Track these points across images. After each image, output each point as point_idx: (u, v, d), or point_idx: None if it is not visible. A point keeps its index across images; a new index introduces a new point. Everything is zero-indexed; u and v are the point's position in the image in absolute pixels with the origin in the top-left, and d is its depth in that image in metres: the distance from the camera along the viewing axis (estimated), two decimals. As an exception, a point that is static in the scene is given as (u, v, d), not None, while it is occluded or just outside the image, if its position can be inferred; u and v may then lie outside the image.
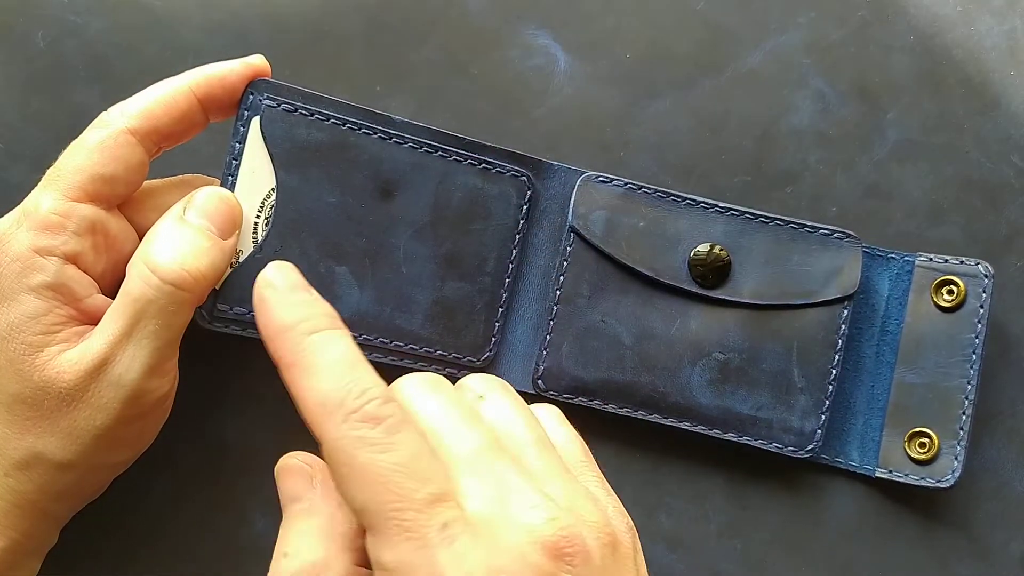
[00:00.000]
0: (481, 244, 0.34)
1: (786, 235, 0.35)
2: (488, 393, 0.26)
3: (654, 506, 0.36)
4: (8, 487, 0.29)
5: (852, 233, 0.35)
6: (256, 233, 0.33)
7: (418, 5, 0.38)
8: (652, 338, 0.35)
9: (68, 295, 0.29)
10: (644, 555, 0.35)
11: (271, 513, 0.35)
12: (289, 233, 0.33)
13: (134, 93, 0.37)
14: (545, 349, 0.35)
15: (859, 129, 0.37)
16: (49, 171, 0.31)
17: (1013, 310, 0.37)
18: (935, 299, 0.35)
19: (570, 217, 0.35)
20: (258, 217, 0.32)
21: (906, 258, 0.36)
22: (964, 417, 0.34)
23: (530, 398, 0.32)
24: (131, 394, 0.29)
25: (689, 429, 0.35)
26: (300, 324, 0.24)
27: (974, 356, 0.35)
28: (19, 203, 0.37)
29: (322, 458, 0.24)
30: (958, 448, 0.34)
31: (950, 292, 0.35)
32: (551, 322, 0.35)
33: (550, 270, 0.35)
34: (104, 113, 0.31)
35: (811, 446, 0.34)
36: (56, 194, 0.30)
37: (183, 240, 0.30)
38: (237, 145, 0.32)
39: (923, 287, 0.35)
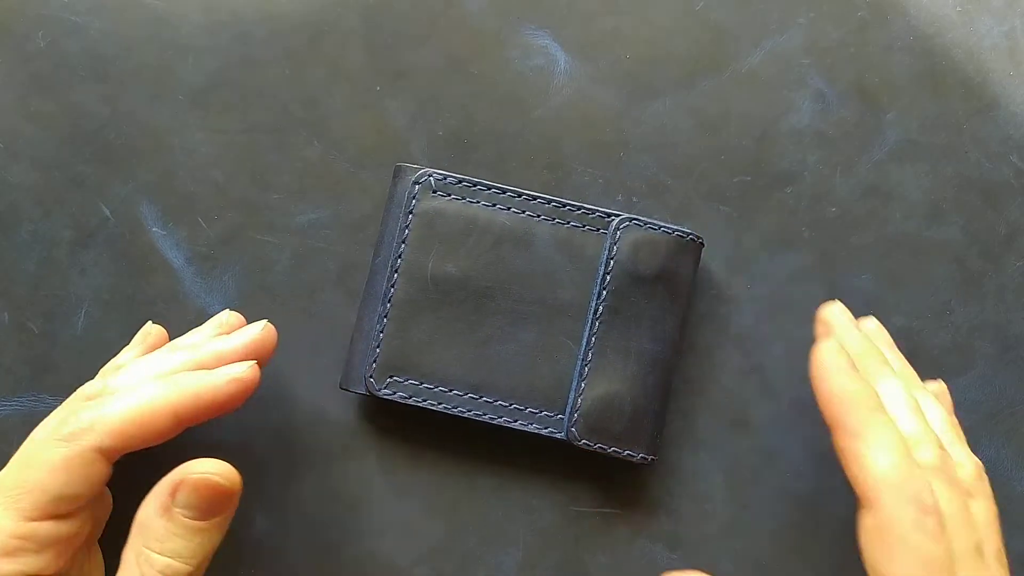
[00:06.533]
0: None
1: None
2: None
3: (654, 506, 0.36)
4: None
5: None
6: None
7: (418, 5, 0.38)
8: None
9: None
10: (645, 555, 0.35)
11: (272, 512, 0.35)
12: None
13: (134, 93, 0.38)
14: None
15: (858, 129, 0.37)
16: (6, 484, 0.29)
17: (1013, 310, 0.37)
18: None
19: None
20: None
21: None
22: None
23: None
24: None
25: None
26: (865, 400, 0.29)
27: None
28: (19, 203, 0.37)
29: None
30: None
31: None
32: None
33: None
34: (75, 419, 0.29)
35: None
36: (16, 516, 0.28)
37: (173, 537, 0.29)
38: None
39: None
